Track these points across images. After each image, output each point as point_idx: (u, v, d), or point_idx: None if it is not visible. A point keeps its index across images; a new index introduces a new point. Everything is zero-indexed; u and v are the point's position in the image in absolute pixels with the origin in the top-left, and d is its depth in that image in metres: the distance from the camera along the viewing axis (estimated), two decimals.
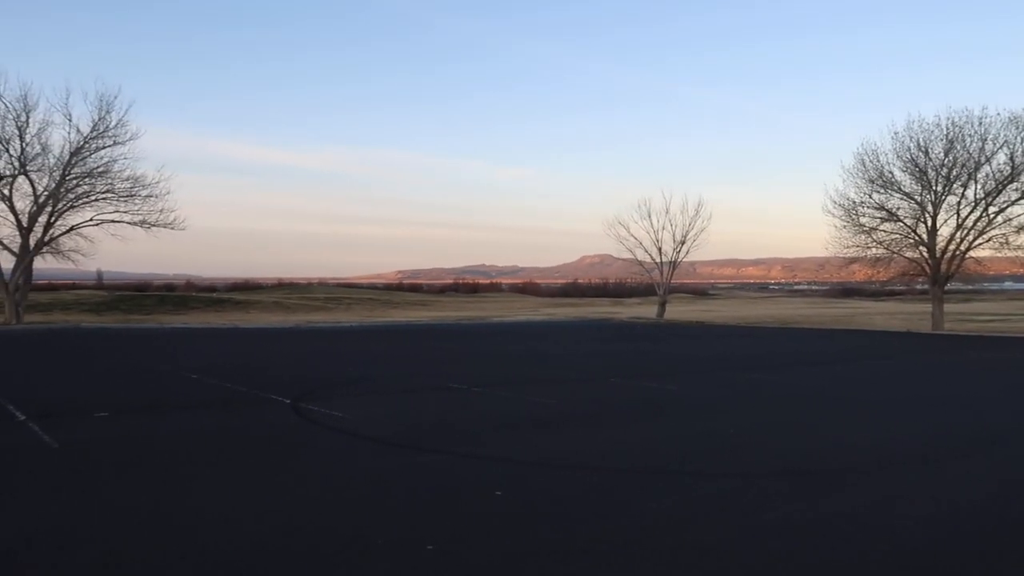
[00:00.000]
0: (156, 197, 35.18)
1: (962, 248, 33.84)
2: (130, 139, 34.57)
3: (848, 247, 35.65)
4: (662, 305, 46.55)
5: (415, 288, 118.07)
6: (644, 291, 79.29)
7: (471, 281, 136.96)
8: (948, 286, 35.67)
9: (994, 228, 33.40)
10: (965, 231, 33.68)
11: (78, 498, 6.33)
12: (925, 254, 34.37)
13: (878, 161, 34.67)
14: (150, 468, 7.47)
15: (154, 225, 35.45)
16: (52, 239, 34.89)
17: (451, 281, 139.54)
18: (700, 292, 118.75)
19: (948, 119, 33.11)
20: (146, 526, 5.56)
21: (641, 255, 47.06)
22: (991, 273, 38.19)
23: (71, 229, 35.15)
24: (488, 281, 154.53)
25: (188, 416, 10.65)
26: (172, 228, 35.85)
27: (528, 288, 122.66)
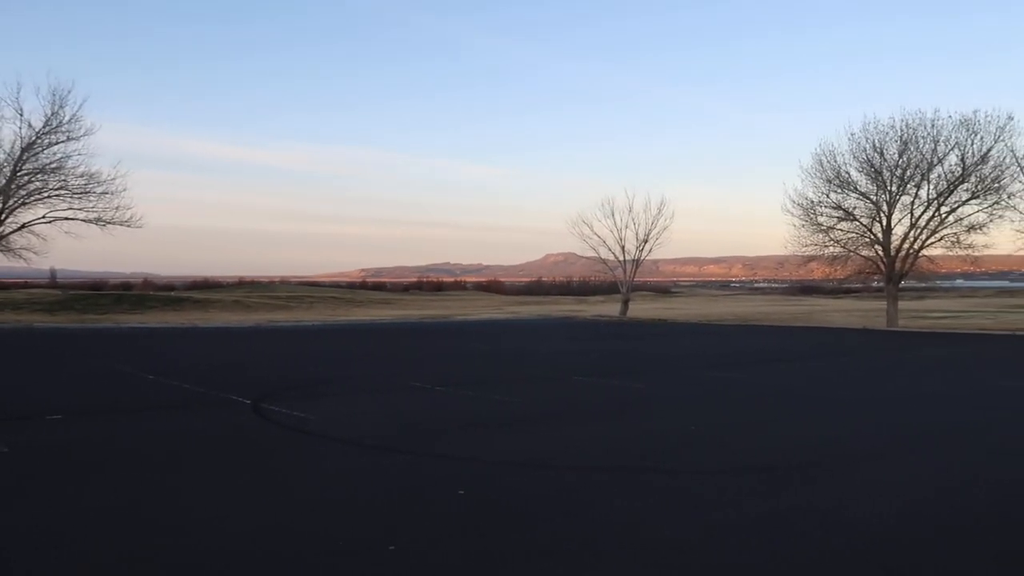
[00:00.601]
0: (112, 194, 34.27)
1: (915, 247, 34.74)
2: (84, 135, 33.62)
3: (806, 246, 36.41)
4: (625, 303, 46.90)
5: (379, 286, 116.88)
6: (608, 289, 79.82)
7: (435, 279, 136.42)
8: (902, 284, 36.59)
9: (946, 227, 34.37)
10: (918, 230, 34.60)
11: (28, 504, 6.16)
12: (880, 252, 35.19)
13: (835, 161, 35.43)
14: (105, 472, 7.30)
15: (109, 223, 34.56)
16: (2, 237, 33.84)
17: (415, 279, 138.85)
18: (663, 290, 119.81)
19: (902, 121, 34.02)
20: (100, 532, 5.43)
21: (605, 253, 47.37)
22: (943, 271, 39.23)
23: (23, 227, 34.12)
24: (452, 279, 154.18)
25: (146, 418, 10.43)
26: (128, 226, 34.97)
27: (492, 286, 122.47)
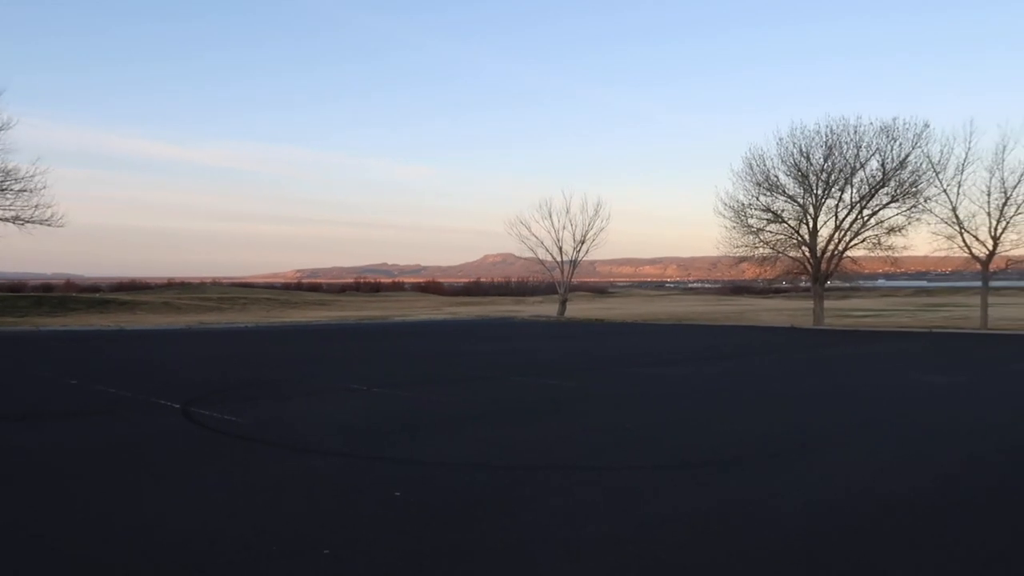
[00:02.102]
0: (30, 192, 32.79)
1: (840, 248, 36.15)
2: (0, 129, 32.19)
3: (738, 247, 37.52)
4: (563, 303, 47.33)
5: (314, 287, 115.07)
6: (545, 289, 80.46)
7: (372, 280, 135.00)
8: (828, 284, 38.03)
9: (868, 229, 35.89)
10: (842, 232, 36.00)
11: None
12: (807, 253, 36.46)
13: (764, 165, 36.59)
14: (23, 483, 7.00)
15: (28, 221, 33.06)
16: None
17: (352, 280, 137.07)
18: (599, 290, 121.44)
19: (827, 127, 35.40)
20: (16, 545, 5.21)
21: (542, 254, 47.82)
22: (866, 271, 40.90)
23: None
24: (390, 280, 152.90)
25: (68, 424, 10.03)
26: (49, 225, 33.51)
27: (431, 287, 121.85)
